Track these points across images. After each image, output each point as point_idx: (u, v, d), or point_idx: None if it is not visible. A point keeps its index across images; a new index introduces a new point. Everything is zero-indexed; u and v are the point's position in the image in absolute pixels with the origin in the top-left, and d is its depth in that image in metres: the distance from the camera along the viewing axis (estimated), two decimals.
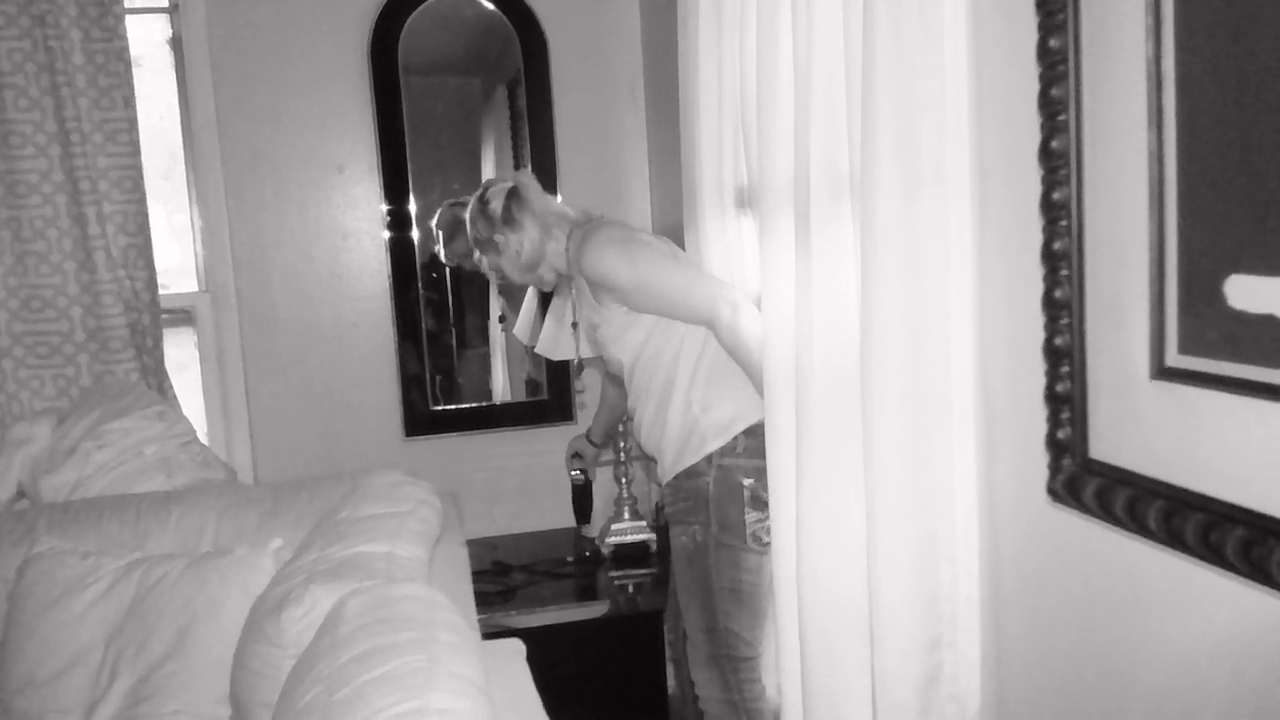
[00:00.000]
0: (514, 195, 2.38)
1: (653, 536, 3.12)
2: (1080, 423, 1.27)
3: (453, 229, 3.29)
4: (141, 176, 2.99)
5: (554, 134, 3.32)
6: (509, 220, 2.36)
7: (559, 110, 3.32)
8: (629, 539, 3.12)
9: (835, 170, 1.76)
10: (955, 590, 1.62)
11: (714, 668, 2.19)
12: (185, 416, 2.82)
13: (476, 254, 2.43)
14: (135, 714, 1.91)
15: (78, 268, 2.93)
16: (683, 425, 2.20)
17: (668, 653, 2.71)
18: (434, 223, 2.71)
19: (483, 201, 2.40)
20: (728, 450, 2.17)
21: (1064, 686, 1.43)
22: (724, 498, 2.16)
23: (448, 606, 1.51)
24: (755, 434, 2.13)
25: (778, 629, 2.09)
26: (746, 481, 2.14)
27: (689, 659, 2.25)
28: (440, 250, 2.83)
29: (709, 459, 2.17)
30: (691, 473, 2.20)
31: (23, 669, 2.02)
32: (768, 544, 2.14)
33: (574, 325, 2.43)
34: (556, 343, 2.75)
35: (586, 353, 2.43)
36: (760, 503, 2.13)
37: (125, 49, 2.93)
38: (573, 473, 3.04)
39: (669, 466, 2.25)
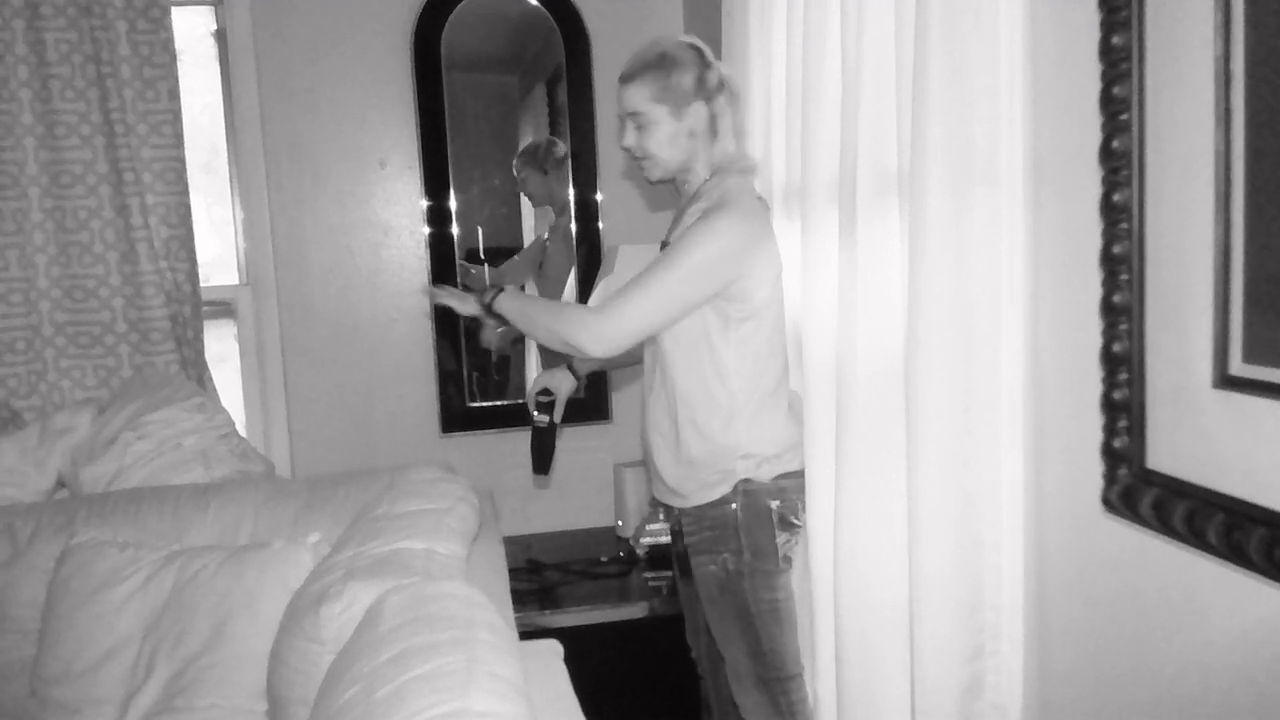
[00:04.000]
0: (729, 81, 2.09)
1: None
2: (1138, 432, 1.23)
3: (522, 150, 3.39)
4: (184, 168, 3.00)
5: (595, 130, 3.31)
6: (713, 99, 2.06)
7: (600, 107, 3.30)
8: (664, 540, 3.09)
9: (883, 167, 1.74)
10: (999, 598, 1.59)
11: (763, 691, 2.10)
12: (224, 409, 2.83)
13: (648, 103, 2.04)
14: (171, 706, 1.91)
15: (120, 259, 2.95)
16: (717, 457, 2.06)
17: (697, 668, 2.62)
18: None
19: (701, 56, 2.07)
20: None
21: (1111, 700, 1.40)
22: (753, 524, 2.06)
23: (487, 606, 1.49)
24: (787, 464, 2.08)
25: (814, 635, 2.07)
26: (773, 504, 2.05)
27: (733, 688, 2.15)
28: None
29: (734, 486, 2.07)
30: (716, 502, 2.08)
31: (60, 660, 2.03)
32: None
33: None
34: None
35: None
36: (787, 523, 2.07)
37: (171, 41, 2.95)
38: (535, 413, 2.44)
39: (687, 494, 2.11)
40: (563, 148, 3.35)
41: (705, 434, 2.06)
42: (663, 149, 2.07)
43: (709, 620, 2.16)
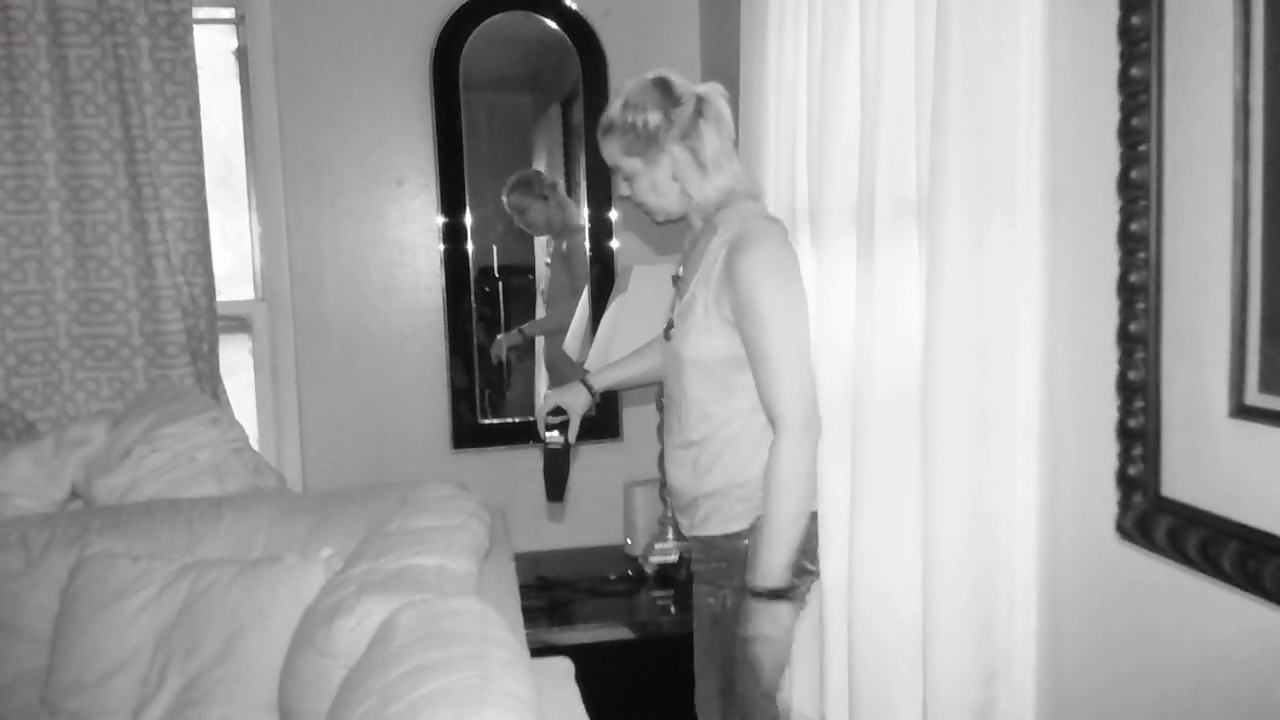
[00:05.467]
0: (706, 106, 1.95)
1: None
2: (1153, 460, 1.24)
3: (516, 182, 3.38)
4: (203, 184, 3.02)
5: None
6: (689, 135, 1.94)
7: None
8: (673, 559, 3.09)
9: (901, 192, 1.75)
10: (1013, 623, 1.60)
11: None
12: (238, 423, 2.84)
13: (621, 157, 1.98)
14: (182, 719, 1.92)
15: (137, 273, 2.97)
16: (742, 489, 1.96)
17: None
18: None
19: (667, 92, 1.95)
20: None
21: None
22: None
23: (499, 623, 1.50)
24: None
25: (826, 656, 2.06)
26: None
27: (699, 715, 2.10)
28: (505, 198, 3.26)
29: (753, 522, 1.94)
30: (731, 535, 1.97)
31: (72, 670, 2.03)
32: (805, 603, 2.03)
33: (668, 330, 2.08)
34: (606, 359, 2.74)
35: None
36: (801, 568, 1.95)
37: (192, 58, 2.97)
38: (548, 433, 2.21)
39: (703, 521, 2.01)
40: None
41: (728, 464, 1.97)
42: (650, 197, 2.01)
43: (695, 651, 2.12)
